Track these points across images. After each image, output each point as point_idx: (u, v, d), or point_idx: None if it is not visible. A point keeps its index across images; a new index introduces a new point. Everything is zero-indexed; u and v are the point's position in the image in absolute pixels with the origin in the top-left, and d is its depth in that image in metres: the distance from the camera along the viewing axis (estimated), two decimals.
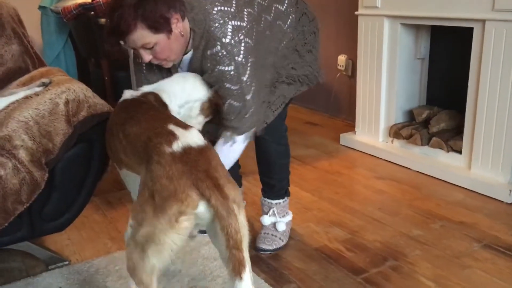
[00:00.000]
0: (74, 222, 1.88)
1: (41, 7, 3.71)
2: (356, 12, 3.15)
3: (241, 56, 1.63)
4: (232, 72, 1.63)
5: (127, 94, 1.60)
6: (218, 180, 1.16)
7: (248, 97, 1.68)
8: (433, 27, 2.97)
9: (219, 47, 1.61)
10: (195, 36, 1.65)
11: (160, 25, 1.55)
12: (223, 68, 1.62)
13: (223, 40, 1.61)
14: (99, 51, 3.39)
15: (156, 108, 1.50)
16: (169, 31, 1.58)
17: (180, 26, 1.61)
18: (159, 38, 1.57)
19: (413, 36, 3.03)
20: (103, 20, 3.29)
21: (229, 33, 1.61)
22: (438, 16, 2.67)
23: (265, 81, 1.78)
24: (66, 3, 3.42)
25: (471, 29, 2.53)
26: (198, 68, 1.70)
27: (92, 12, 3.33)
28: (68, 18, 3.36)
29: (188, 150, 1.21)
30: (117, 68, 3.50)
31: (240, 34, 1.63)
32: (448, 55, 3.01)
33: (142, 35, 1.56)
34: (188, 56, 1.74)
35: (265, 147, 2.01)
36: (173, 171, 1.17)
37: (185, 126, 1.34)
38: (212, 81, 1.66)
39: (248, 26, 1.65)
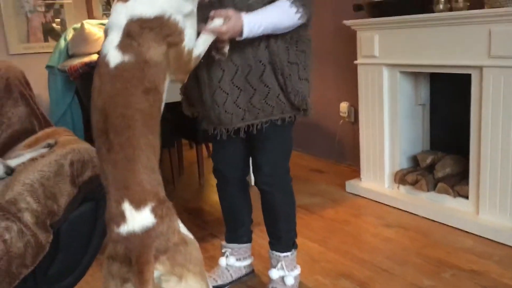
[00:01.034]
0: (79, 282, 1.86)
1: (48, 67, 3.81)
2: (355, 62, 3.21)
3: None
4: None
5: (112, 53, 1.38)
6: (143, 265, 1.22)
7: None
8: (432, 73, 3.02)
9: None
10: None
11: None
12: None
13: None
14: None
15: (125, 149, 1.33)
16: None
17: None
18: None
19: (412, 83, 3.07)
20: None
21: None
22: (435, 63, 2.71)
23: None
24: (73, 62, 3.51)
25: (470, 74, 2.57)
26: None
27: None
28: (75, 76, 3.44)
29: (130, 236, 1.27)
30: None
31: None
32: (448, 100, 3.04)
33: None
34: None
35: (270, 197, 2.02)
36: (117, 251, 1.27)
37: (138, 204, 1.29)
38: None
39: None
